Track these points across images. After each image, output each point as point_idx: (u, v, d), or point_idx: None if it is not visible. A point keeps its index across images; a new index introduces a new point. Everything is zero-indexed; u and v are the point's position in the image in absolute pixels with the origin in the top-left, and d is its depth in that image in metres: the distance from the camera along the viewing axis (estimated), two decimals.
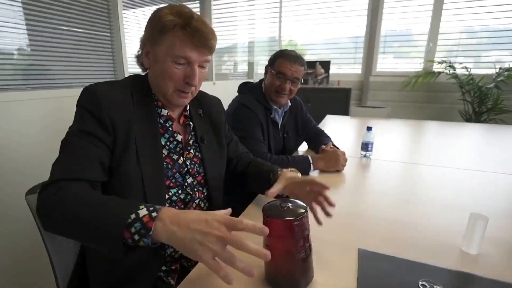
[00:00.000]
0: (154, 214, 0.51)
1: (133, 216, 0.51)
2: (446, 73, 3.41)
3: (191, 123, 0.84)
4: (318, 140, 1.49)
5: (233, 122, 1.31)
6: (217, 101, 0.98)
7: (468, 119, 3.39)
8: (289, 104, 1.44)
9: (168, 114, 0.78)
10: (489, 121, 3.29)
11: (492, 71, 3.38)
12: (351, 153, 1.46)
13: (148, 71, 0.80)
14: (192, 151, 0.83)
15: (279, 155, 1.22)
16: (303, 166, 1.19)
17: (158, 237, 0.50)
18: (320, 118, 2.52)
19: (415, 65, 3.73)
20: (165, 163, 0.75)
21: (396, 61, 3.87)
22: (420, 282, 0.56)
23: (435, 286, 0.55)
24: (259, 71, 3.89)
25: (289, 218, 0.52)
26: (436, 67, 3.50)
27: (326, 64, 3.93)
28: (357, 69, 3.97)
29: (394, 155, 1.49)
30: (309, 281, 0.57)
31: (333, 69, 3.98)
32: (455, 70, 3.37)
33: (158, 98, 0.78)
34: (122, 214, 0.51)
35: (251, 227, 0.48)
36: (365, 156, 1.44)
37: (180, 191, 0.78)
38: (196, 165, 0.83)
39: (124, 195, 0.66)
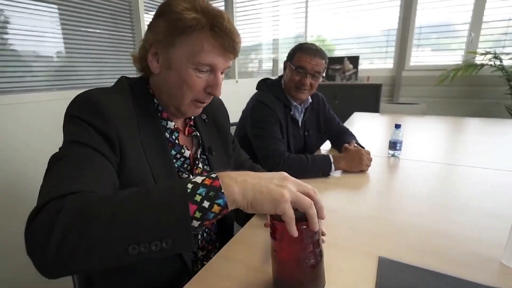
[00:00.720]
0: (213, 175, 0.43)
1: (190, 185, 0.41)
2: (491, 65, 3.11)
3: (197, 133, 0.75)
4: (342, 138, 1.41)
5: (251, 120, 1.28)
6: (220, 102, 0.89)
7: None
8: (310, 100, 1.38)
9: (175, 126, 0.70)
10: None
11: None
12: (378, 152, 1.37)
13: (151, 75, 0.68)
14: (200, 165, 0.74)
15: (297, 154, 1.16)
16: (324, 166, 1.12)
17: (232, 193, 0.42)
18: (347, 117, 2.41)
19: (454, 58, 3.46)
20: None
21: (433, 54, 3.60)
22: None
23: None
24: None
25: (297, 221, 0.48)
26: (479, 59, 3.21)
27: (354, 60, 3.77)
28: (389, 64, 3.76)
29: (427, 155, 1.37)
30: None
31: (363, 65, 3.80)
32: (501, 61, 3.07)
33: (163, 108, 0.68)
34: (176, 190, 0.41)
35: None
36: (393, 155, 1.34)
37: None
38: None
39: None
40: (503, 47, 3.23)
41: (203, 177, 0.43)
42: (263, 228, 0.75)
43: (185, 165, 0.72)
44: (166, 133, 0.69)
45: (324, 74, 1.27)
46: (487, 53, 3.13)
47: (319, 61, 1.22)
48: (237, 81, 3.23)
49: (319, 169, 1.11)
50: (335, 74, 3.89)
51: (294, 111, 1.34)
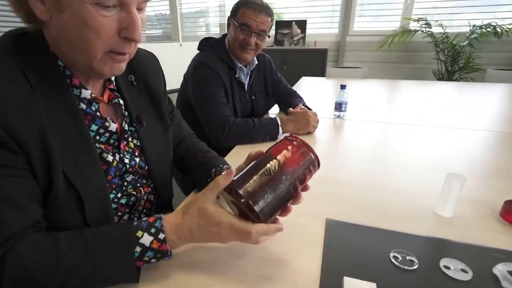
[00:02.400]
0: (161, 235, 0.45)
1: (138, 249, 0.44)
2: (422, 31, 3.35)
3: (120, 100, 0.60)
4: (289, 101, 1.38)
5: (192, 83, 1.16)
6: (153, 60, 0.72)
7: (441, 78, 3.41)
8: (256, 62, 1.30)
9: (93, 95, 0.54)
10: (460, 80, 3.32)
11: (465, 29, 3.36)
12: (324, 114, 1.37)
13: (43, 26, 0.49)
14: (130, 139, 0.62)
15: (243, 118, 1.10)
16: (271, 129, 1.08)
17: (177, 247, 0.48)
18: (295, 80, 2.40)
19: (392, 24, 3.62)
20: None
21: (374, 20, 3.72)
22: (391, 254, 0.49)
23: (407, 257, 0.48)
24: None
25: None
26: (413, 25, 3.42)
27: (302, 24, 3.72)
28: (334, 29, 3.80)
29: (369, 115, 1.42)
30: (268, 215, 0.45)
31: (309, 30, 3.78)
32: (431, 28, 3.31)
33: (73, 72, 0.52)
34: (123, 253, 0.44)
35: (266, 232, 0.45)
36: (338, 116, 1.36)
37: (120, 194, 0.60)
38: (137, 158, 0.63)
39: (59, 225, 0.50)
40: (433, 14, 3.46)
41: (152, 239, 0.44)
42: None
43: (111, 141, 0.59)
44: (82, 104, 0.53)
45: (269, 34, 1.19)
46: (419, 19, 3.34)
47: (265, 18, 1.13)
48: (181, 45, 2.97)
49: (266, 133, 1.07)
50: (283, 39, 3.83)
51: (240, 74, 1.25)
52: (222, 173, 0.44)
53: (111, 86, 0.60)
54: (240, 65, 1.22)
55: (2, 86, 0.43)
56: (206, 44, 1.24)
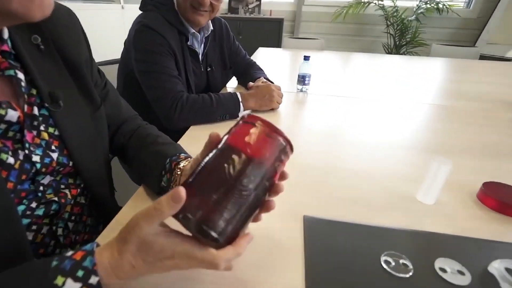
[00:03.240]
0: (93, 278, 0.31)
1: None
2: (374, 3, 3.40)
3: (18, 73, 0.42)
4: (249, 74, 1.25)
5: (135, 51, 0.96)
6: (69, 16, 0.53)
7: (389, 52, 3.54)
8: (211, 27, 1.12)
9: None
10: (407, 54, 3.48)
11: (413, 4, 3.49)
12: (286, 87, 1.27)
13: None
14: (42, 127, 0.45)
15: (198, 94, 0.95)
16: (231, 106, 0.95)
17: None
18: (251, 51, 2.24)
19: None
20: None
21: None
22: (382, 258, 0.43)
23: (400, 261, 0.42)
24: None
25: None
26: None
27: None
28: None
29: (332, 89, 1.35)
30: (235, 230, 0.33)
31: None
32: (383, 0, 3.38)
33: None
34: None
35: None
36: (301, 90, 1.27)
37: (35, 204, 0.45)
38: (54, 153, 0.46)
39: None
40: None
41: (79, 286, 0.30)
42: None
43: (10, 133, 0.42)
44: None
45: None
46: None
47: None
48: (123, 7, 2.55)
49: (225, 110, 0.94)
50: (238, 7, 3.59)
51: (192, 41, 1.07)
52: (168, 194, 0.30)
53: (5, 48, 0.41)
54: (193, 31, 1.04)
55: None
56: (151, 3, 1.02)
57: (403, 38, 3.47)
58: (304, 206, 0.55)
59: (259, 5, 3.63)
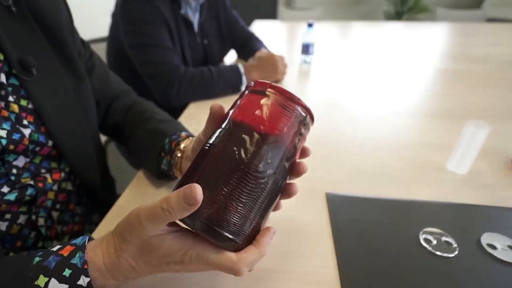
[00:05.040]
0: (82, 280, 0.25)
1: None
2: None
3: None
4: (250, 46, 1.16)
5: (124, 23, 0.87)
6: None
7: (390, 19, 3.40)
8: None
9: None
10: (410, 20, 3.34)
11: None
12: (287, 60, 1.19)
13: None
14: (10, 98, 0.39)
15: (198, 68, 0.87)
16: (234, 79, 0.88)
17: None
18: (248, 25, 2.12)
19: None
20: None
21: None
22: (421, 236, 0.38)
23: (443, 238, 0.37)
24: None
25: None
26: None
27: None
28: None
29: (335, 60, 1.27)
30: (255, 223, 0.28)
31: None
32: None
33: None
34: None
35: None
36: (305, 61, 1.19)
37: (6, 189, 0.39)
38: (26, 129, 0.40)
39: None
40: None
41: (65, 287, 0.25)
42: (162, 184, 0.51)
43: None
44: None
45: None
46: None
47: None
48: None
49: (227, 84, 0.86)
50: None
51: (186, 9, 0.97)
52: (179, 192, 0.24)
53: None
54: None
55: None
56: None
57: (404, 4, 3.31)
58: (324, 183, 0.50)
59: None
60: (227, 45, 1.22)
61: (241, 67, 0.89)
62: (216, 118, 0.31)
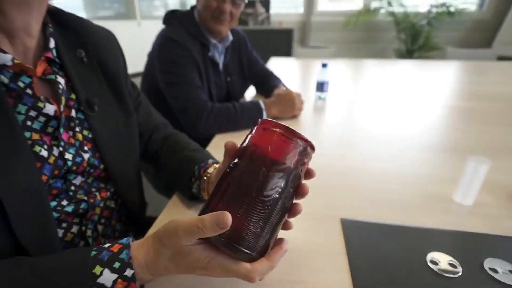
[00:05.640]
0: (128, 271, 0.33)
1: None
2: (385, 8, 3.41)
3: (59, 78, 0.46)
4: (268, 83, 1.26)
5: (160, 63, 0.99)
6: (109, 36, 0.59)
7: (401, 57, 3.52)
8: (231, 38, 1.15)
9: (16, 62, 0.40)
10: (421, 58, 3.45)
11: (425, 9, 3.48)
12: (303, 96, 1.28)
13: None
14: (77, 128, 0.49)
15: (223, 103, 0.97)
16: (255, 114, 0.97)
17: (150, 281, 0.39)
18: (264, 62, 2.28)
19: (355, 4, 3.63)
20: None
21: (337, 0, 3.70)
22: (428, 257, 0.42)
23: (448, 261, 0.41)
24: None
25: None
26: (375, 5, 3.47)
27: (266, 4, 3.58)
28: (299, 8, 3.71)
29: (349, 96, 1.35)
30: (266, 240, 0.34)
31: (274, 9, 3.65)
32: (392, 6, 3.39)
33: None
34: None
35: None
36: (320, 98, 1.28)
37: (66, 202, 0.47)
38: (86, 153, 0.49)
39: None
40: None
41: (114, 277, 0.32)
42: (192, 206, 0.57)
43: (49, 129, 0.45)
44: (3, 77, 0.40)
45: (246, 0, 1.04)
46: None
47: None
48: (139, 24, 2.65)
49: (249, 118, 0.95)
50: (247, 19, 3.67)
51: (213, 52, 1.10)
52: (213, 216, 0.31)
53: (49, 55, 0.45)
54: (214, 41, 1.07)
55: None
56: (173, 17, 1.06)
57: (415, 43, 3.45)
58: (339, 209, 0.55)
59: (268, 17, 3.70)
60: (248, 82, 1.34)
61: (261, 103, 0.99)
62: (230, 152, 0.38)
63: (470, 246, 0.45)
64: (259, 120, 0.37)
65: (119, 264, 0.33)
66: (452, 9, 3.32)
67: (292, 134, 0.34)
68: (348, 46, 3.78)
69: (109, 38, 0.59)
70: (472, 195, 0.54)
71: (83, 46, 0.52)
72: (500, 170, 0.68)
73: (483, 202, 0.56)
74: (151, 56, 1.06)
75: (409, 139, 0.87)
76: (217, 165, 0.56)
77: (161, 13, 3.24)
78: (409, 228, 0.49)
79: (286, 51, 3.40)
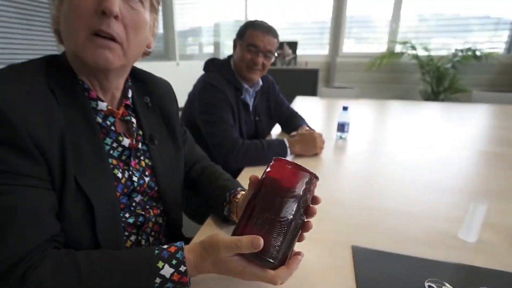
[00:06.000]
0: (182, 267, 0.45)
1: (158, 280, 0.44)
2: (408, 53, 3.51)
3: (133, 118, 0.61)
4: (293, 123, 1.39)
5: (199, 104, 1.16)
6: (167, 86, 0.75)
7: (427, 98, 3.54)
8: (261, 83, 1.32)
9: (109, 108, 0.56)
10: (446, 100, 3.46)
11: (449, 52, 3.55)
12: (325, 135, 1.39)
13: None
14: (142, 157, 0.63)
15: (252, 140, 1.10)
16: (280, 151, 1.08)
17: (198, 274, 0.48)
18: (288, 100, 2.43)
19: (379, 46, 3.79)
20: None
21: (362, 43, 3.88)
22: (427, 284, 0.49)
23: (444, 286, 0.48)
24: (225, 52, 3.70)
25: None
26: (399, 48, 3.58)
27: (293, 45, 3.84)
28: (325, 50, 3.93)
29: (369, 136, 1.44)
30: (282, 254, 0.44)
31: (300, 50, 3.90)
32: (415, 50, 3.48)
33: (90, 86, 0.54)
34: (143, 284, 0.44)
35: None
36: (340, 137, 1.37)
37: (128, 215, 0.59)
38: (146, 177, 0.63)
39: (69, 241, 0.49)
40: (417, 38, 3.65)
41: (172, 270, 0.44)
42: (225, 226, 0.68)
43: (123, 157, 0.59)
44: (98, 118, 0.55)
45: (276, 54, 1.21)
46: (405, 42, 3.51)
47: (271, 40, 1.16)
48: (177, 64, 2.98)
49: (275, 155, 1.06)
50: (275, 60, 3.92)
51: (245, 95, 1.26)
52: (250, 238, 0.41)
53: (127, 103, 0.62)
54: (246, 86, 1.23)
55: (31, 101, 0.45)
56: (212, 65, 1.25)
57: (440, 85, 3.48)
58: (351, 237, 0.63)
59: (295, 58, 3.94)
60: (274, 122, 1.48)
61: (286, 141, 1.10)
62: (253, 183, 0.50)
63: (468, 276, 0.51)
64: (274, 158, 0.48)
65: (175, 261, 0.44)
66: (478, 53, 3.36)
67: (300, 168, 0.44)
68: (373, 87, 3.87)
69: (167, 87, 0.75)
70: (474, 233, 0.60)
71: (148, 94, 0.68)
72: (507, 212, 0.73)
73: (486, 240, 0.61)
74: (191, 97, 1.24)
75: (422, 178, 0.93)
76: (243, 192, 0.67)
77: (196, 52, 3.60)
78: (413, 258, 0.55)
79: (311, 91, 3.56)
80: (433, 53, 3.48)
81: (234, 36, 1.23)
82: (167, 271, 0.44)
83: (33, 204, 0.44)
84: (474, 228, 0.60)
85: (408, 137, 1.41)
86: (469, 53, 3.37)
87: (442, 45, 3.65)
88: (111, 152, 0.57)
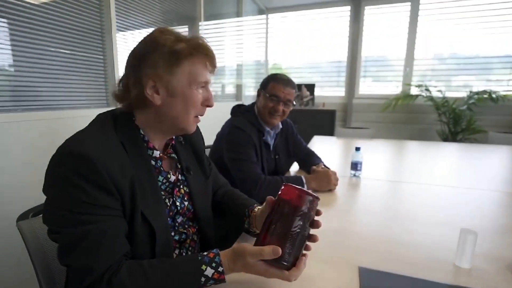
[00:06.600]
0: (220, 268, 0.58)
1: (203, 279, 0.58)
2: (423, 95, 3.62)
3: (174, 155, 0.78)
4: (309, 161, 1.53)
5: (227, 144, 1.34)
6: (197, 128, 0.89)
7: (445, 139, 3.57)
8: (280, 126, 1.49)
9: (160, 154, 0.72)
10: (464, 140, 3.47)
11: (463, 94, 3.63)
12: (340, 172, 1.51)
13: (136, 109, 0.69)
14: (181, 186, 0.79)
15: (273, 176, 1.24)
16: (298, 186, 1.22)
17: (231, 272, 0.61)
18: (306, 139, 2.57)
19: (395, 88, 3.95)
20: None
21: (377, 85, 4.07)
22: None
23: None
24: (247, 93, 3.98)
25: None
26: (414, 90, 3.72)
27: (311, 87, 4.08)
28: (341, 92, 4.14)
29: (382, 174, 1.55)
30: (290, 259, 0.58)
31: (317, 92, 4.13)
32: (430, 93, 3.59)
33: (149, 139, 0.71)
34: (193, 282, 0.58)
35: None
36: (354, 175, 1.49)
37: (173, 233, 0.74)
38: (186, 202, 0.78)
39: (135, 253, 0.65)
40: (430, 80, 3.79)
41: (213, 271, 0.58)
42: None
43: (168, 188, 0.75)
44: (152, 161, 0.71)
45: (294, 102, 1.40)
46: (419, 85, 3.65)
47: (291, 91, 1.35)
48: None
49: None
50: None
51: (267, 136, 1.43)
52: (271, 247, 0.56)
53: (172, 142, 0.79)
54: (268, 129, 1.41)
55: (109, 150, 0.61)
56: (239, 110, 1.45)
57: (457, 125, 3.51)
58: (358, 259, 0.73)
59: (312, 99, 4.16)
60: (292, 160, 1.62)
61: (303, 178, 1.24)
62: (269, 203, 0.65)
63: None
64: (284, 184, 0.63)
65: (215, 264, 0.58)
66: (493, 95, 3.42)
67: (305, 192, 0.59)
68: (389, 127, 3.95)
69: (196, 130, 0.92)
70: (467, 260, 0.69)
71: (182, 136, 0.83)
72: (502, 244, 0.81)
73: (480, 267, 0.70)
74: (220, 137, 1.43)
75: (426, 213, 1.02)
76: (259, 207, 0.82)
77: (219, 93, 3.89)
78: (412, 279, 0.65)
79: (328, 130, 3.71)
80: (448, 94, 3.57)
81: (255, 76, 1.44)
82: (209, 272, 0.58)
83: (115, 229, 0.59)
84: (466, 255, 0.69)
85: (420, 175, 1.50)
86: (485, 95, 3.43)
87: (456, 87, 3.75)
88: (162, 186, 0.73)
